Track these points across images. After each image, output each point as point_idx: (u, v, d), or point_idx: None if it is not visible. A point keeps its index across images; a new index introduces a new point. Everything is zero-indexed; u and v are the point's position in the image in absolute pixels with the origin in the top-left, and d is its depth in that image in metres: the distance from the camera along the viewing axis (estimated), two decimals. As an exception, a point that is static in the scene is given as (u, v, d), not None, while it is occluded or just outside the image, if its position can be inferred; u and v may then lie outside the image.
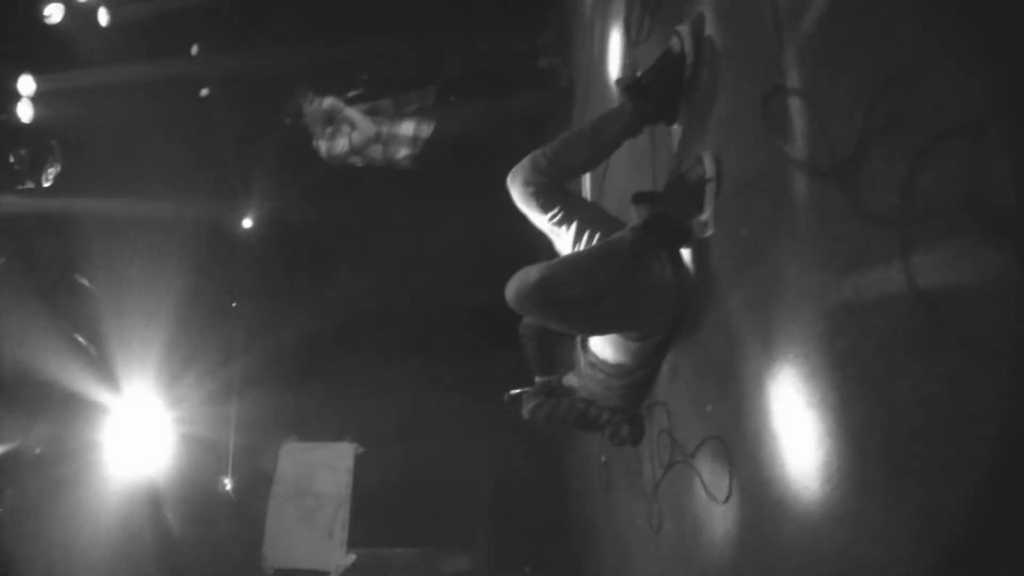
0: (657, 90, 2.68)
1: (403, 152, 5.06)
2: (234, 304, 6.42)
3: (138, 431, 5.14)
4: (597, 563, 4.60)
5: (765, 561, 2.02)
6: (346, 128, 5.06)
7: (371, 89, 5.47)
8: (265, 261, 6.54)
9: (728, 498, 2.26)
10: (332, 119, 5.10)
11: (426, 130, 5.10)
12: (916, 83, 1.44)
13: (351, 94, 5.28)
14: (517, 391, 3.47)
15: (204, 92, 5.66)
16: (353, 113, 5.09)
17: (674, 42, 2.63)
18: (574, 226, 2.80)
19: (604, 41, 4.14)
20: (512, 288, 2.52)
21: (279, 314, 6.49)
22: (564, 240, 2.85)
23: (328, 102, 5.11)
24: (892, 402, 1.47)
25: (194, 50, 5.52)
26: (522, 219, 2.92)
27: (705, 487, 2.45)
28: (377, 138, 5.03)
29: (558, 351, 3.51)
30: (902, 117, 1.48)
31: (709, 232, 2.45)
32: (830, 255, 1.73)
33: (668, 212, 2.54)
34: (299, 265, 6.71)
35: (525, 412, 3.36)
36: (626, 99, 2.71)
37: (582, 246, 2.81)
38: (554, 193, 2.78)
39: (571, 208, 2.82)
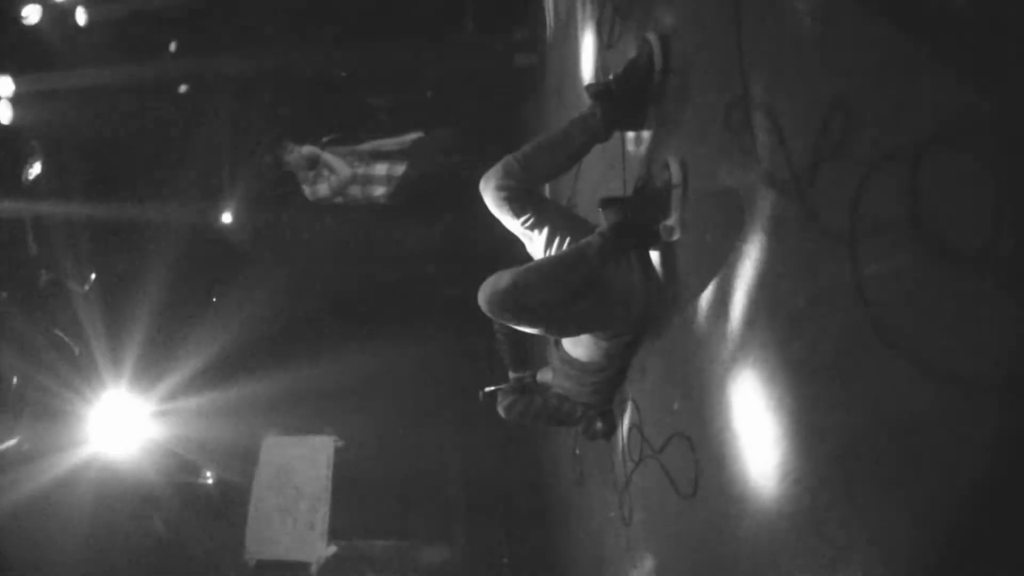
0: (626, 96, 2.74)
1: (379, 191, 5.27)
2: (214, 299, 6.44)
3: (121, 426, 5.18)
4: (572, 554, 4.69)
5: (728, 554, 2.11)
6: (326, 172, 5.24)
7: (347, 133, 5.59)
8: (245, 256, 6.57)
9: (694, 493, 2.35)
10: (313, 164, 5.25)
11: (399, 169, 5.31)
12: (863, 105, 1.53)
13: (325, 139, 5.41)
14: (492, 388, 3.54)
15: (183, 88, 5.68)
16: (330, 158, 5.25)
17: (643, 50, 2.70)
18: (546, 230, 2.86)
19: (578, 42, 4.20)
20: (484, 294, 2.60)
21: (259, 308, 6.53)
22: (536, 244, 2.91)
23: (307, 149, 5.28)
24: (844, 408, 1.56)
25: (172, 47, 5.53)
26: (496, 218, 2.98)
27: (672, 482, 2.54)
28: (354, 179, 5.23)
29: (532, 348, 3.58)
30: (851, 136, 1.56)
31: (676, 236, 2.53)
32: (786, 264, 1.81)
33: (635, 217, 2.62)
34: (279, 260, 6.74)
35: (501, 409, 3.44)
36: (596, 105, 2.78)
37: (553, 250, 2.87)
38: (526, 198, 2.83)
39: (543, 212, 2.88)
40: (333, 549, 5.88)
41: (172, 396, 5.65)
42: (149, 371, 5.43)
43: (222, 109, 5.96)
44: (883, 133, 1.47)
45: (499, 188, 2.78)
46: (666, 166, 2.51)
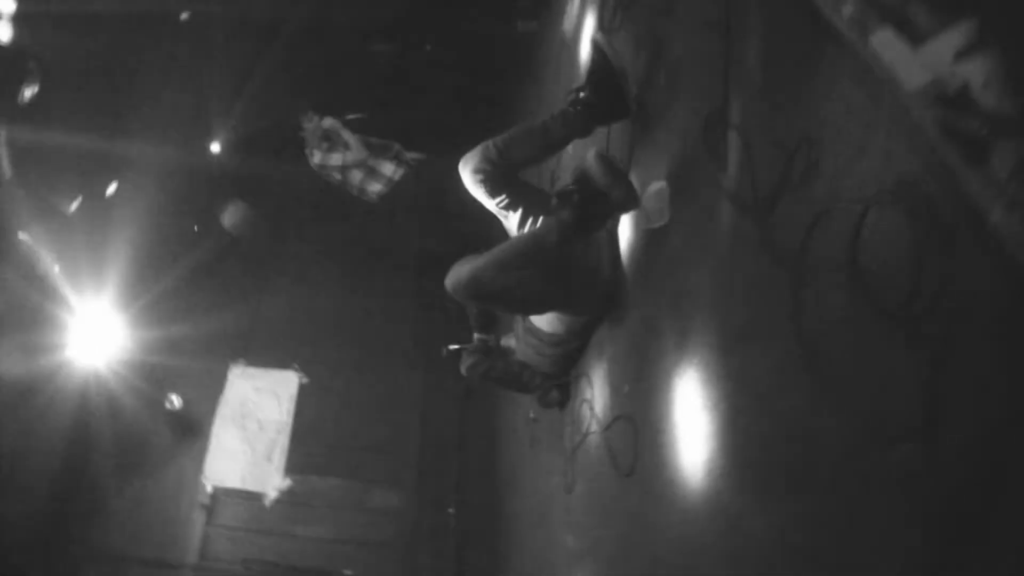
0: (601, 98, 2.86)
1: (376, 187, 5.36)
2: (196, 228, 6.51)
3: (95, 344, 5.29)
4: (516, 512, 4.89)
5: (654, 532, 2.31)
6: (341, 147, 5.32)
7: (367, 119, 5.68)
8: (230, 187, 6.62)
9: (631, 473, 2.54)
10: (329, 137, 5.33)
11: (399, 173, 5.42)
12: (825, 150, 1.66)
13: (349, 116, 5.48)
14: (456, 346, 3.69)
15: (184, 16, 5.69)
16: (349, 135, 5.33)
17: (595, 54, 2.82)
18: (520, 212, 3.00)
19: (581, 17, 4.27)
20: (449, 283, 2.81)
21: (240, 240, 6.61)
22: (511, 222, 3.06)
23: (328, 121, 5.34)
24: (769, 420, 1.73)
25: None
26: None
27: (613, 459, 2.73)
28: (363, 164, 5.31)
29: (499, 312, 3.72)
30: (812, 176, 1.69)
31: (661, 223, 2.63)
32: (736, 281, 1.97)
33: (586, 207, 2.70)
34: (263, 195, 6.80)
35: (463, 368, 3.60)
36: (574, 111, 2.89)
37: (527, 229, 3.02)
38: (501, 181, 2.98)
39: (517, 195, 3.02)
40: (288, 482, 6.04)
41: (147, 319, 5.75)
42: (127, 293, 5.52)
43: (223, 45, 5.98)
44: (838, 181, 1.60)
45: (476, 171, 2.94)
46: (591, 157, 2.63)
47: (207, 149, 6.34)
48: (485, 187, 2.96)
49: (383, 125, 5.66)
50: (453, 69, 6.73)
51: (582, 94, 2.89)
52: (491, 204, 3.02)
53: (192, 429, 6.13)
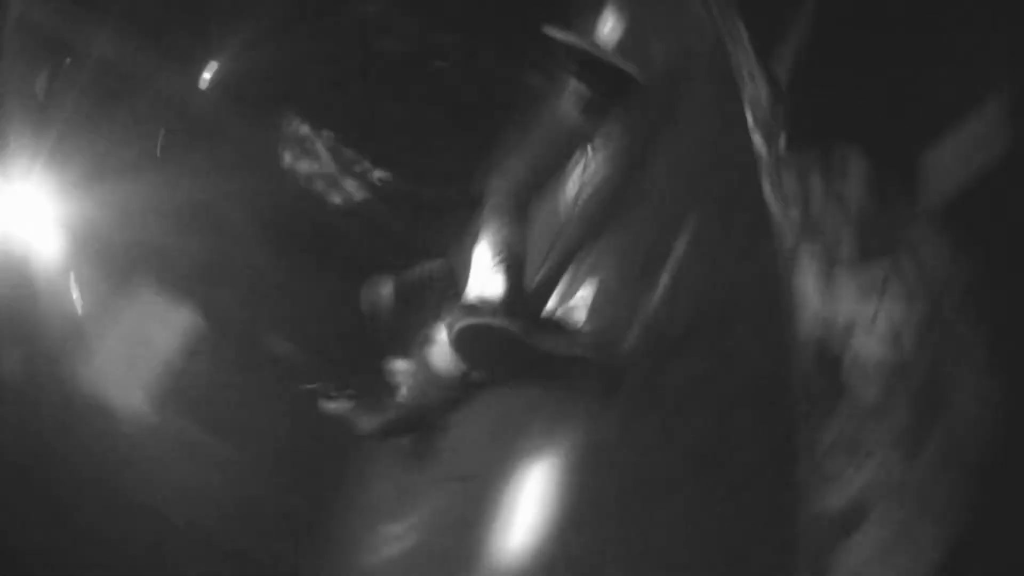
0: (588, 80, 2.85)
1: (336, 200, 5.47)
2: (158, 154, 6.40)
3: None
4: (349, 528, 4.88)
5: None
6: (311, 157, 5.43)
7: (343, 135, 5.76)
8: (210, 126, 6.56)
9: (473, 526, 2.64)
10: (302, 144, 5.43)
11: (362, 194, 5.55)
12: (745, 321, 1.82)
13: (326, 133, 5.57)
14: (321, 384, 3.70)
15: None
16: (322, 148, 5.43)
17: (553, 44, 2.95)
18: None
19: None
20: None
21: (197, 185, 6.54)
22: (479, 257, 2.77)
23: (304, 130, 5.44)
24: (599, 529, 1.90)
25: None
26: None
27: (461, 512, 2.84)
28: (327, 178, 5.43)
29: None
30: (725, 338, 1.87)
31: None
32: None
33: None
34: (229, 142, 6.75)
35: (365, 429, 3.60)
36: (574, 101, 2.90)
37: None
38: (522, 210, 2.74)
39: (517, 239, 2.70)
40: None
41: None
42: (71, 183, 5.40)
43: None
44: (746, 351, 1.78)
45: (500, 190, 2.74)
46: None
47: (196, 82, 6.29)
48: (501, 209, 2.67)
49: (363, 123, 5.72)
50: (452, 91, 6.81)
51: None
52: (493, 230, 2.69)
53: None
